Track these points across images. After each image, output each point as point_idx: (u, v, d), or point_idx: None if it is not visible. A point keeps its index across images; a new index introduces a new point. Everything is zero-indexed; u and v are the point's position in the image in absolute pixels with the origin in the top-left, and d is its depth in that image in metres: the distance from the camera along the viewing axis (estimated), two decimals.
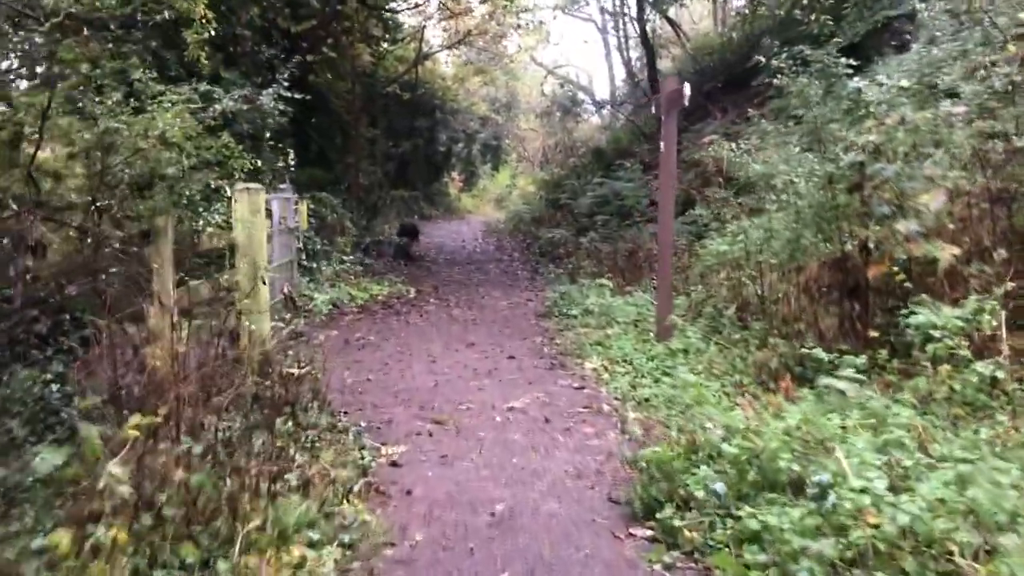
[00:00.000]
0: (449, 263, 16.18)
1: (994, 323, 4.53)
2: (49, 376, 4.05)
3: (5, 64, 6.26)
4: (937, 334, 4.46)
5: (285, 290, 8.72)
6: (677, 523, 3.54)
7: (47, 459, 2.70)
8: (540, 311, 10.27)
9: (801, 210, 6.29)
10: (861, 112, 5.85)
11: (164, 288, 4.91)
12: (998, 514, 2.82)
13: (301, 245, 10.76)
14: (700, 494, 3.60)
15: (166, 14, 6.49)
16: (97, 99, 4.93)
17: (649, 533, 3.65)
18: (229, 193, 6.15)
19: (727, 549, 3.28)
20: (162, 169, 5.12)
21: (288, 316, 6.98)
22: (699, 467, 3.81)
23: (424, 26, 21.90)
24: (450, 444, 5.07)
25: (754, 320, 6.73)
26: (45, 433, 3.86)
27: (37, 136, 4.34)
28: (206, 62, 7.78)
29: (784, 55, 6.90)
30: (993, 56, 6.17)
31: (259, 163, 6.84)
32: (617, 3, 25.64)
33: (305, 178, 13.84)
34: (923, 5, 8.14)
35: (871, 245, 5.45)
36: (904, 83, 5.90)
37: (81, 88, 4.96)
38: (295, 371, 5.04)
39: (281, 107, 9.47)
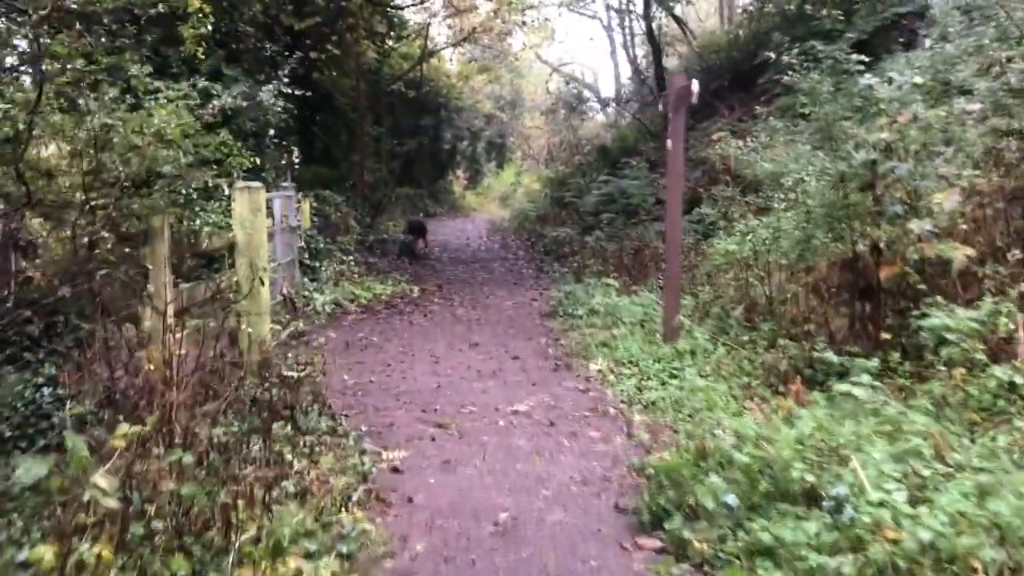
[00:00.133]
0: (453, 261, 16.06)
1: (1010, 326, 4.43)
2: (41, 379, 3.95)
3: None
4: (951, 337, 4.36)
5: (284, 291, 8.62)
6: (686, 534, 3.44)
7: (30, 470, 2.58)
8: (545, 311, 10.16)
9: (811, 209, 6.17)
10: (873, 109, 5.73)
11: (159, 290, 4.82)
12: (1022, 529, 2.70)
13: (303, 244, 10.66)
14: (710, 504, 3.48)
15: (161, 7, 6.38)
16: (92, 95, 4.83)
17: (657, 544, 3.55)
18: (228, 192, 6.05)
19: (738, 562, 3.16)
20: (159, 167, 5.03)
21: (288, 317, 6.89)
22: (709, 475, 3.69)
23: (429, 23, 21.82)
24: (453, 449, 4.96)
25: (762, 321, 6.61)
26: (36, 437, 3.78)
27: (26, 132, 4.23)
28: (203, 57, 7.68)
29: (795, 51, 6.77)
30: (1009, 52, 6.05)
31: (259, 161, 6.74)
32: (623, 0, 25.55)
33: (310, 175, 13.76)
34: (936, 0, 8.01)
35: (883, 245, 5.34)
36: (918, 80, 5.77)
37: (76, 83, 4.85)
38: (294, 374, 4.94)
39: (282, 104, 9.36)
